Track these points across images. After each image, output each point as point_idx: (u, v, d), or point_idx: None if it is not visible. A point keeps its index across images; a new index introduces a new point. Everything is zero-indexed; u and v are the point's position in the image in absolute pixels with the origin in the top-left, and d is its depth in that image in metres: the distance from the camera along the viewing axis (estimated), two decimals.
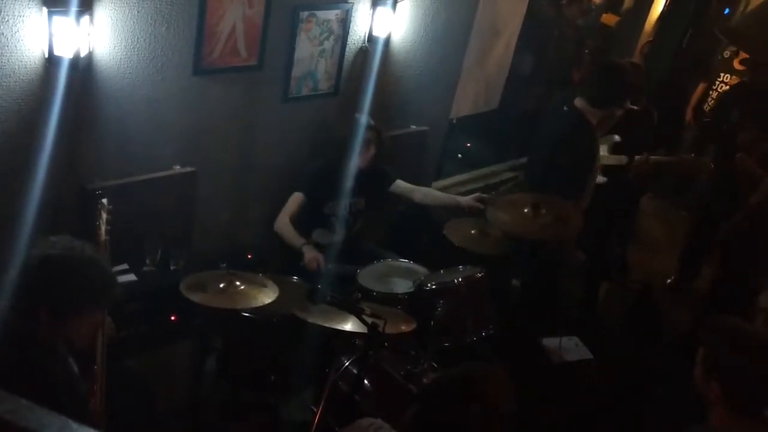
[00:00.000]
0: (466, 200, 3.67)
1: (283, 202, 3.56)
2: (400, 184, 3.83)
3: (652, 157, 4.14)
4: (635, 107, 3.96)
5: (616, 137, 4.07)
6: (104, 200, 2.48)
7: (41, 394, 1.29)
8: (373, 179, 3.68)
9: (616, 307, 4.65)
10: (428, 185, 4.78)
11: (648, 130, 4.42)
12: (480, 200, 3.59)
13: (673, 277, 5.21)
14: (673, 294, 5.04)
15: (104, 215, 2.44)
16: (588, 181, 3.70)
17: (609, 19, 6.87)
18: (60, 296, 1.95)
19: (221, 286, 2.89)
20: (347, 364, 2.93)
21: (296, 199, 3.55)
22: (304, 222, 3.55)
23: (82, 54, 2.65)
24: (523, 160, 5.30)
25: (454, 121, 4.87)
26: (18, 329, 1.93)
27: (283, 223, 3.52)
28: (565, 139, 3.55)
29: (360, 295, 3.23)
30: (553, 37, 5.59)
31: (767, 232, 4.02)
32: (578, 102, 3.58)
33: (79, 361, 2.17)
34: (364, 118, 3.56)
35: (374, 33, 3.80)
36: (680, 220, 5.74)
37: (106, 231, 2.43)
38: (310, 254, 3.41)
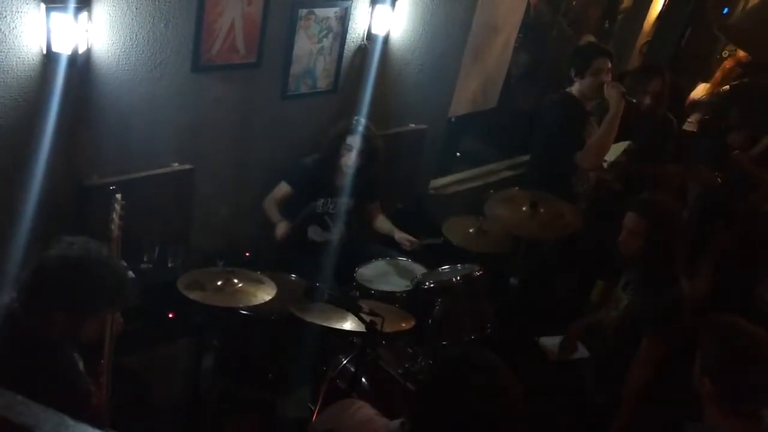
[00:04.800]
0: (399, 236, 3.68)
1: None
2: (375, 206, 3.85)
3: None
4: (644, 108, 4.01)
5: (629, 143, 4.13)
6: (118, 195, 2.46)
7: (43, 391, 1.30)
8: (363, 184, 3.65)
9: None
10: (427, 183, 4.80)
11: (667, 139, 4.42)
12: (410, 242, 3.62)
13: None
14: None
15: (118, 209, 2.43)
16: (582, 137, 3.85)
17: None
18: (77, 298, 1.95)
19: (219, 283, 2.89)
20: (345, 361, 2.92)
21: (281, 187, 3.58)
22: (285, 211, 3.55)
23: (81, 50, 2.65)
24: (522, 158, 5.30)
25: (453, 120, 4.87)
26: (25, 326, 1.94)
27: (271, 204, 3.56)
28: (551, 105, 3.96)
29: (358, 292, 3.24)
30: (551, 38, 5.60)
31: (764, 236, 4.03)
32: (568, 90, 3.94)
33: (86, 355, 2.17)
34: (360, 121, 3.55)
35: (373, 31, 3.79)
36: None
37: (119, 227, 2.42)
38: (280, 229, 3.45)
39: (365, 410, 1.93)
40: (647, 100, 4.13)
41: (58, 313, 1.94)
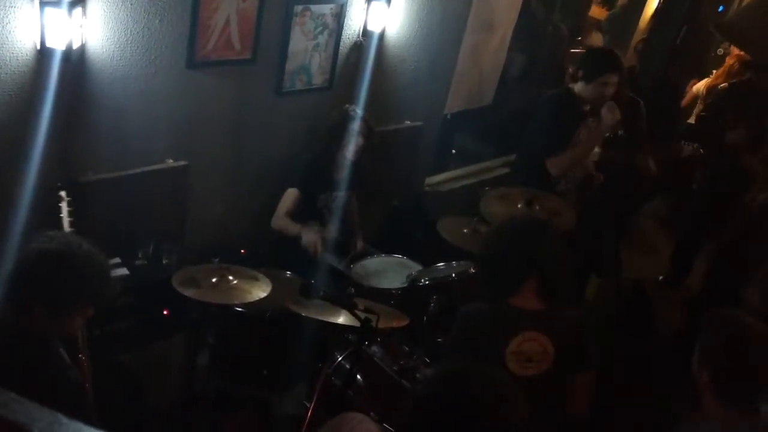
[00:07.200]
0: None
1: (276, 196, 3.55)
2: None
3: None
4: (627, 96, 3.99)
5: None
6: (62, 193, 2.44)
7: (36, 386, 1.29)
8: (360, 174, 3.65)
9: (609, 305, 4.66)
10: (422, 180, 4.81)
11: (638, 120, 4.40)
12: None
13: (665, 275, 5.22)
14: (665, 291, 5.06)
15: (65, 208, 2.42)
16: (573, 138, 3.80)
17: (600, 13, 6.89)
18: (55, 293, 1.93)
19: (214, 280, 2.89)
20: (340, 359, 2.92)
21: (291, 194, 3.52)
22: (296, 216, 3.54)
23: (75, 46, 2.63)
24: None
25: (448, 117, 4.87)
26: (11, 321, 1.92)
27: (279, 218, 3.51)
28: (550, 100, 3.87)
29: (353, 290, 3.24)
30: (545, 36, 5.60)
31: (760, 237, 4.03)
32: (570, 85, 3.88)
33: (67, 352, 2.16)
34: (355, 110, 3.54)
35: (369, 27, 3.79)
36: (673, 217, 5.76)
37: (70, 224, 2.41)
38: (309, 237, 3.38)
39: (366, 425, 1.90)
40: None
41: (38, 307, 1.91)
